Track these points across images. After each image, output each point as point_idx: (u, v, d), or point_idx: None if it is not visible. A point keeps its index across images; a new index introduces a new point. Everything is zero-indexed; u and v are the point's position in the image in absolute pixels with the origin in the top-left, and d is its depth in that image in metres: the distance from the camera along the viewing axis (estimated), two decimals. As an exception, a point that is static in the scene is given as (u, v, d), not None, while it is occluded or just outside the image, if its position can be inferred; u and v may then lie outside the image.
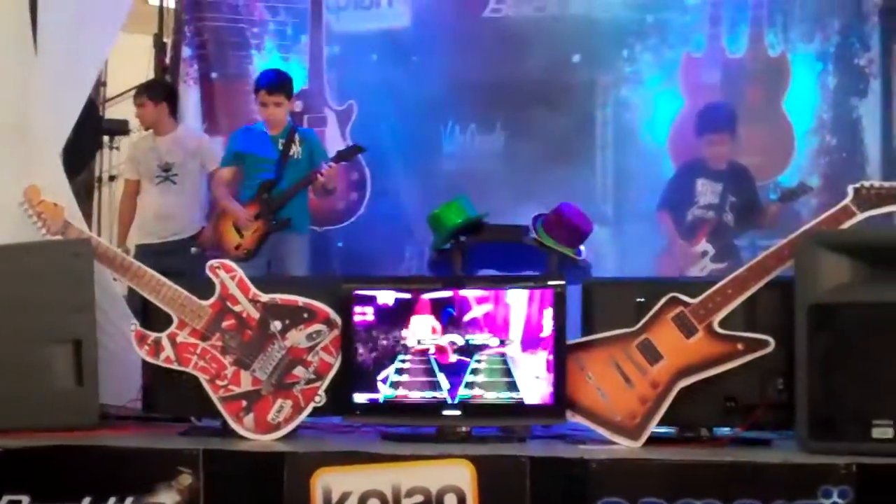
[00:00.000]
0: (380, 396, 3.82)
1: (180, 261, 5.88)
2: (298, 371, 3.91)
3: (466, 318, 3.81)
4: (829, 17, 6.37)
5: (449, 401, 3.79)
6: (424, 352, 3.82)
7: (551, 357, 3.74)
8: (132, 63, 7.05)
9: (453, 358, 3.80)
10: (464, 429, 3.80)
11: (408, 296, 3.85)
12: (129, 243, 6.27)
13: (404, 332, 3.82)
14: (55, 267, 4.09)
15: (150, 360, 3.96)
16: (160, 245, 6.09)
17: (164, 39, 7.18)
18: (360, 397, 3.83)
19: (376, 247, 6.42)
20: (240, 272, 4.01)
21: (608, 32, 6.51)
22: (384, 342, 3.84)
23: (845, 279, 3.57)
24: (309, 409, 3.90)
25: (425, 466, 3.41)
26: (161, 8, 7.32)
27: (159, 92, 6.36)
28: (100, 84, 6.76)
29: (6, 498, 3.49)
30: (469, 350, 3.80)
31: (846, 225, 3.70)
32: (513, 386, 3.77)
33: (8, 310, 4.02)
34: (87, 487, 3.49)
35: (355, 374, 3.84)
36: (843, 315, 3.51)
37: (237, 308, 3.96)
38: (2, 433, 3.74)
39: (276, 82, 5.79)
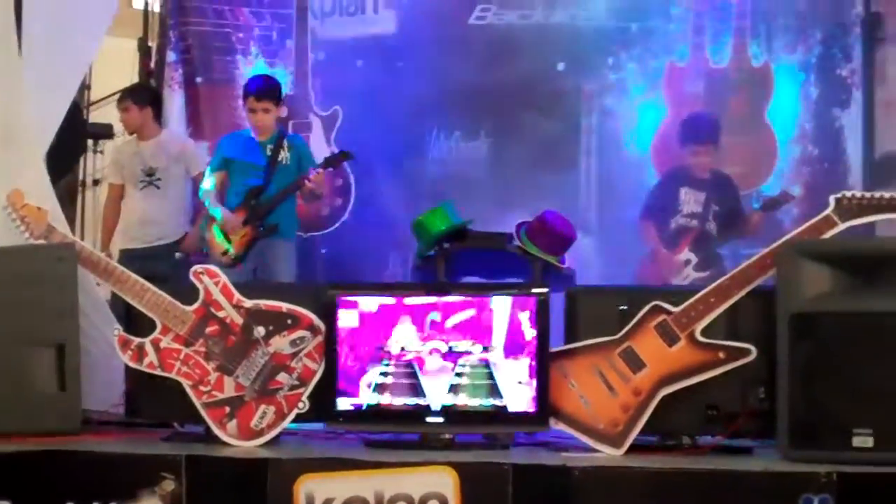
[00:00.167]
0: (363, 403, 3.83)
1: (164, 266, 5.88)
2: (282, 377, 3.91)
3: (449, 324, 3.82)
4: (811, 28, 6.41)
5: (432, 407, 3.80)
6: (408, 358, 3.82)
7: (534, 363, 3.75)
8: (117, 67, 7.03)
9: (436, 364, 3.81)
10: (447, 436, 3.81)
11: (392, 301, 3.86)
12: (113, 248, 6.25)
13: (387, 339, 3.83)
14: (38, 271, 4.07)
15: (133, 365, 3.95)
16: (144, 250, 6.07)
17: (149, 43, 7.18)
18: (343, 403, 3.83)
19: (360, 253, 6.42)
20: (223, 278, 4.00)
21: (593, 41, 6.54)
22: (367, 348, 3.84)
23: (826, 288, 3.59)
24: (292, 416, 3.89)
25: (408, 473, 3.42)
26: (146, 12, 7.32)
27: (144, 96, 6.35)
28: (84, 87, 6.75)
29: (-13, 502, 3.48)
30: (452, 357, 3.80)
31: (828, 235, 3.72)
32: (496, 393, 3.78)
33: (-9, 314, 4.01)
34: (70, 493, 3.48)
35: (338, 379, 3.84)
36: (824, 324, 3.53)
37: (221, 314, 3.95)
38: (-17, 438, 3.74)
39: (264, 88, 5.79)
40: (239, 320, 3.94)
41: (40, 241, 4.17)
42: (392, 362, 3.83)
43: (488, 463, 3.45)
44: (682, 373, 3.71)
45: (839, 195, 3.76)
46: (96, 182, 7.45)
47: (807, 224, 3.78)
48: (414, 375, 3.82)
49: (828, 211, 3.74)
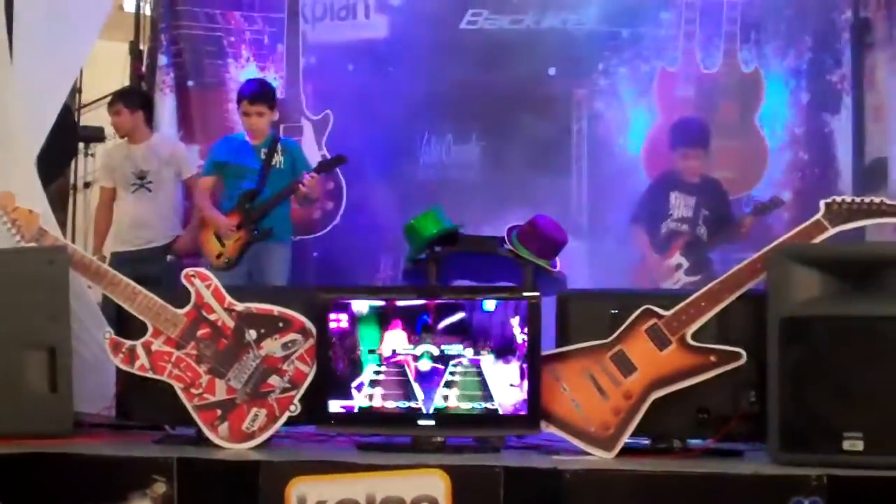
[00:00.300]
0: (355, 406, 3.83)
1: (156, 269, 5.88)
2: (273, 380, 3.91)
3: (440, 327, 3.82)
4: (801, 34, 6.43)
5: (424, 411, 3.80)
6: (399, 361, 3.83)
7: (525, 366, 3.76)
8: (108, 70, 7.03)
9: (427, 366, 3.82)
10: (438, 439, 3.81)
11: (383, 304, 3.86)
12: (105, 251, 6.24)
13: (379, 342, 3.83)
14: (30, 274, 4.07)
15: (124, 367, 3.95)
16: (136, 253, 6.06)
17: (141, 47, 7.16)
18: (334, 405, 3.84)
19: (352, 256, 6.43)
20: (215, 281, 4.00)
21: (584, 46, 6.55)
22: (359, 350, 3.85)
23: (817, 293, 3.60)
24: (284, 419, 3.90)
25: (400, 476, 3.42)
26: (137, 15, 7.30)
27: (135, 100, 6.35)
28: (75, 91, 6.73)
29: (-22, 505, 3.48)
30: (444, 360, 3.81)
31: (818, 239, 3.73)
32: (487, 396, 3.79)
33: (-18, 317, 4.01)
34: (61, 495, 3.48)
35: (330, 382, 3.84)
36: (814, 328, 3.55)
37: (212, 317, 3.96)
38: (-25, 440, 3.73)
39: (258, 92, 5.81)
40: (230, 323, 3.95)
41: (31, 244, 4.16)
42: (383, 365, 3.83)
43: (480, 466, 3.46)
44: (673, 376, 3.72)
45: (829, 200, 3.78)
46: (87, 185, 7.44)
47: (797, 229, 3.80)
48: (405, 378, 3.83)
49: (818, 216, 3.76)
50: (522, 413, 3.77)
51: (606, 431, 3.76)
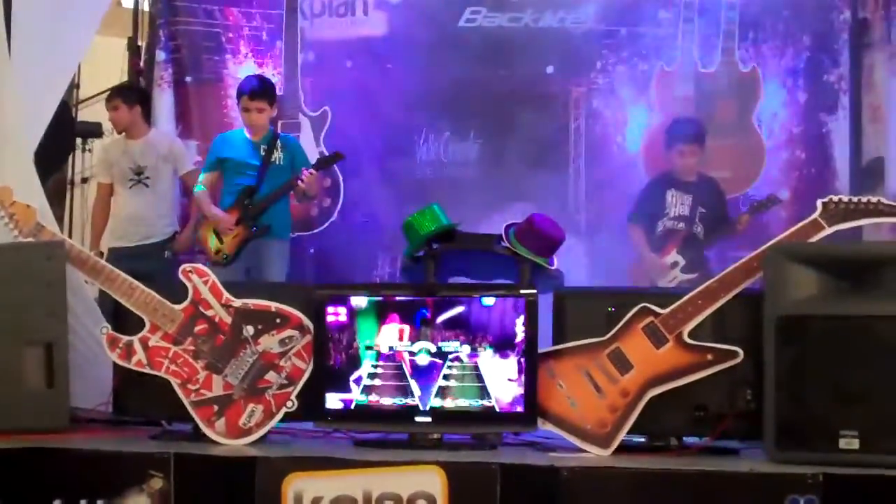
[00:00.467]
0: (351, 402, 3.83)
1: (153, 264, 5.88)
2: (270, 376, 3.91)
3: (437, 324, 3.82)
4: (799, 34, 6.45)
5: (420, 407, 3.81)
6: (397, 357, 3.83)
7: (522, 364, 3.77)
8: (106, 66, 7.03)
9: (426, 361, 3.82)
10: (435, 435, 3.82)
11: (380, 301, 3.87)
12: (102, 246, 6.24)
13: (376, 339, 3.84)
14: (27, 269, 4.07)
15: (121, 363, 3.95)
16: (133, 248, 6.07)
17: (139, 43, 7.17)
18: (332, 398, 3.84)
19: (349, 253, 6.43)
20: (212, 276, 4.00)
21: (582, 44, 6.56)
22: (356, 343, 3.85)
23: (813, 292, 3.61)
24: (280, 415, 3.90)
25: (396, 472, 3.42)
26: (136, 11, 7.31)
27: (133, 95, 6.35)
28: (73, 86, 6.74)
29: (-25, 500, 3.48)
30: (441, 357, 3.81)
31: (815, 238, 3.73)
32: (484, 393, 3.79)
33: (-21, 311, 4.00)
34: (57, 490, 3.47)
35: (328, 375, 3.84)
36: (810, 327, 3.55)
37: (209, 312, 3.96)
38: (-29, 435, 3.73)
39: (258, 89, 5.81)
40: (228, 319, 3.95)
41: (29, 239, 4.16)
42: (381, 362, 3.84)
43: (476, 463, 3.46)
44: (669, 374, 3.73)
45: (826, 199, 3.78)
46: (85, 180, 7.44)
47: (794, 228, 3.80)
48: (402, 375, 3.83)
49: (815, 215, 3.77)
50: (519, 410, 3.77)
51: (603, 429, 3.76)
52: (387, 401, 3.83)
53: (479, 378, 3.79)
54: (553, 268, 4.72)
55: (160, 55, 6.91)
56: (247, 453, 3.65)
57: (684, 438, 3.85)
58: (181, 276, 4.00)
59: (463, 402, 3.80)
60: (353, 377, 3.84)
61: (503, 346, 3.79)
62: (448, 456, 3.52)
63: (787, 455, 3.49)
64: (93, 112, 7.27)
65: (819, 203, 3.78)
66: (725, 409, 3.75)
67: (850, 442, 3.45)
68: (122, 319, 4.04)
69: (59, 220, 5.77)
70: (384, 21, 6.78)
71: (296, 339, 3.92)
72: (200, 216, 5.84)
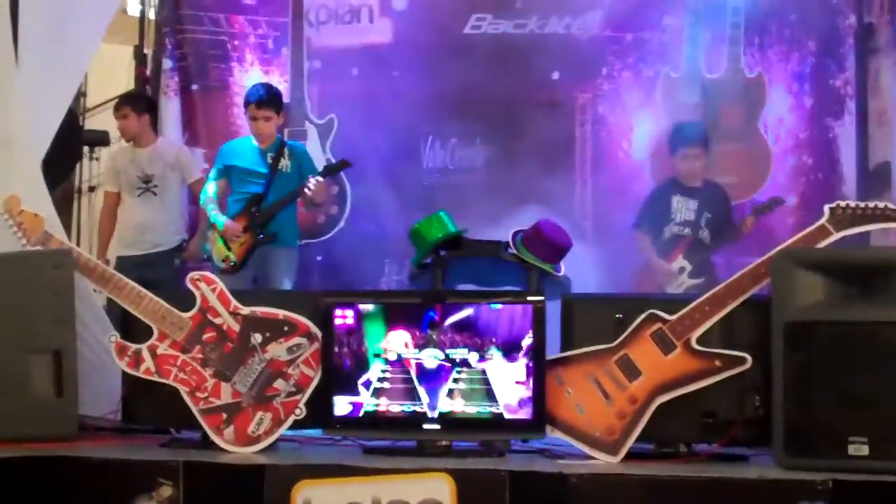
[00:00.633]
0: (360, 409, 3.83)
1: (161, 272, 5.88)
2: (279, 384, 3.92)
3: (445, 331, 3.83)
4: (805, 39, 6.43)
5: (429, 415, 3.81)
6: (405, 363, 3.83)
7: (530, 371, 3.77)
8: (112, 74, 7.05)
9: (434, 364, 3.82)
10: (444, 443, 3.82)
11: (388, 308, 3.87)
12: (110, 255, 6.25)
13: (384, 346, 3.84)
14: (36, 278, 4.08)
15: (129, 371, 3.96)
16: (141, 257, 6.07)
17: (145, 51, 7.17)
18: (341, 401, 3.84)
19: (356, 260, 6.42)
20: (220, 284, 4.01)
21: (587, 50, 6.55)
22: (364, 346, 3.85)
23: (821, 297, 3.61)
24: (289, 422, 3.91)
25: (405, 480, 3.43)
26: (142, 19, 7.32)
27: (142, 103, 6.35)
28: (80, 95, 6.75)
29: (-16, 509, 3.49)
30: (449, 364, 3.82)
31: (822, 244, 3.74)
32: (492, 400, 3.79)
33: (-12, 320, 4.01)
34: (67, 499, 3.50)
35: (336, 378, 3.84)
36: (818, 333, 3.55)
37: (217, 320, 3.96)
38: (-20, 444, 3.74)
39: (266, 97, 5.81)
40: (236, 327, 3.95)
41: (37, 248, 4.18)
42: (389, 370, 3.84)
43: (485, 470, 3.47)
44: (678, 381, 3.73)
45: (833, 205, 3.79)
46: (92, 189, 7.45)
47: (801, 233, 3.81)
48: (410, 383, 3.83)
49: (822, 221, 3.77)
50: (527, 417, 3.77)
51: (611, 436, 3.76)
52: (395, 408, 3.83)
53: (487, 385, 3.80)
54: (560, 274, 4.72)
55: (166, 63, 6.91)
56: (255, 461, 3.66)
57: (693, 445, 3.84)
58: (189, 285, 4.01)
59: (471, 410, 3.81)
60: (361, 380, 3.84)
61: (513, 346, 3.79)
62: (456, 463, 3.53)
63: (796, 461, 3.49)
64: (100, 121, 7.28)
65: (826, 209, 3.78)
66: (734, 415, 3.75)
67: (859, 448, 3.45)
68: (130, 328, 4.05)
69: (67, 228, 5.78)
70: (390, 28, 6.78)
71: (304, 346, 3.93)
72: (208, 225, 5.84)
